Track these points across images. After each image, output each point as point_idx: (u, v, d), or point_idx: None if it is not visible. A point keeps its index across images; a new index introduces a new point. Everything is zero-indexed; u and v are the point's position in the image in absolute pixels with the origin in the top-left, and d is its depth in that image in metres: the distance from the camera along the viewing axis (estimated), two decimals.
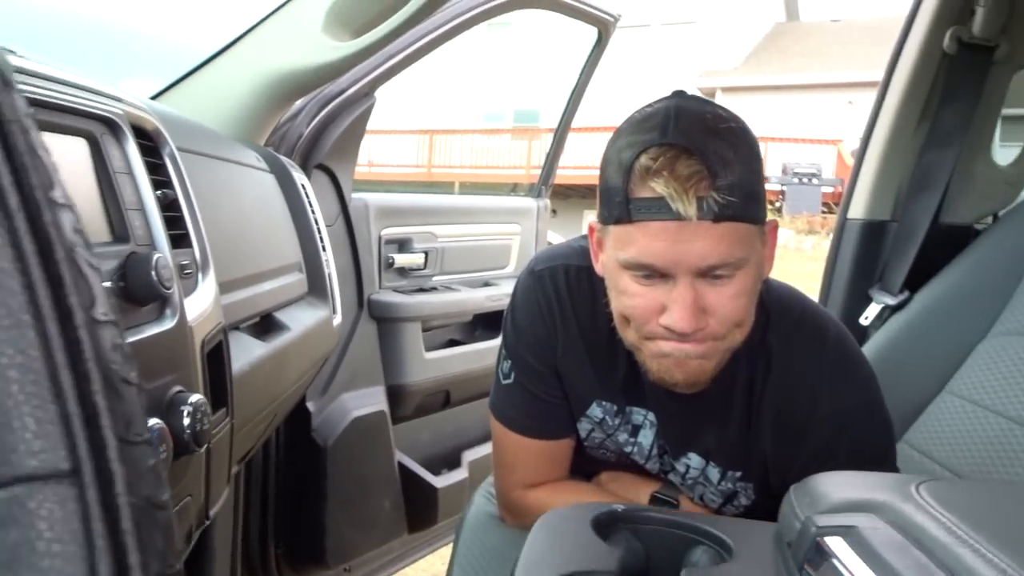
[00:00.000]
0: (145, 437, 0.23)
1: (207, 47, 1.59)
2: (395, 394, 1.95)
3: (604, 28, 2.21)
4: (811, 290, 1.34)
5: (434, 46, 1.82)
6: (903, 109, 1.62)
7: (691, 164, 0.86)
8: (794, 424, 1.01)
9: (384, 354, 1.94)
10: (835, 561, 0.57)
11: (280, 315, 1.32)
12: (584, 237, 1.09)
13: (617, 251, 0.92)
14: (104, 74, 0.91)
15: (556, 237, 2.48)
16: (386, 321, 1.93)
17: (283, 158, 1.57)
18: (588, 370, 1.09)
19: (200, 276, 0.94)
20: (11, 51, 0.73)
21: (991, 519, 0.57)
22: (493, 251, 2.32)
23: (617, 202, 0.90)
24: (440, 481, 2.01)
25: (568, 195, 15.89)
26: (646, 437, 1.10)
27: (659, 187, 0.86)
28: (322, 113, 1.73)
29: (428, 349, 2.03)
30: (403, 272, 2.02)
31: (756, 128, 0.98)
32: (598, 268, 1.01)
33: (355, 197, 1.87)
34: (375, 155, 17.58)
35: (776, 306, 1.03)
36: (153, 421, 0.71)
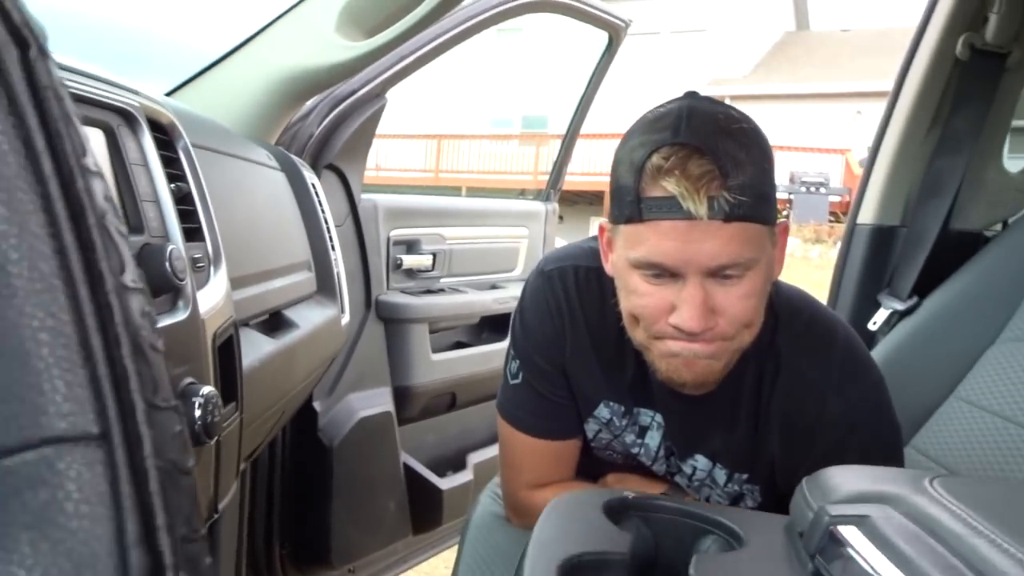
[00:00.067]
0: (172, 403, 0.23)
1: (220, 47, 1.60)
2: (401, 395, 1.95)
3: (615, 33, 2.22)
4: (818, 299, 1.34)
5: (446, 48, 1.83)
6: (914, 115, 1.62)
7: (703, 164, 0.86)
8: (802, 427, 1.01)
9: (391, 355, 1.94)
10: (848, 550, 0.57)
11: (289, 313, 1.33)
12: (593, 238, 1.09)
13: (627, 250, 0.92)
14: (116, 72, 0.92)
15: (563, 243, 2.48)
16: (393, 322, 1.93)
17: (294, 157, 1.57)
18: (596, 370, 1.09)
19: (212, 270, 0.95)
20: None
21: (1006, 513, 0.56)
22: (501, 254, 2.32)
23: (628, 201, 0.90)
24: (445, 483, 2.01)
25: (575, 201, 15.89)
26: (653, 438, 1.10)
27: (670, 186, 0.86)
28: (333, 113, 1.73)
29: (435, 351, 2.03)
30: (411, 273, 2.02)
31: None
32: (608, 268, 1.01)
33: (364, 198, 1.88)
34: (383, 159, 17.62)
35: (785, 308, 1.03)
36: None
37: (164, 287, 0.77)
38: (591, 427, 1.13)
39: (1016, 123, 1.67)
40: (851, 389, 1.01)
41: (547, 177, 2.55)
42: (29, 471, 0.20)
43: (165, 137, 0.93)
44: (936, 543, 0.53)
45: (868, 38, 19.97)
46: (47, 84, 0.23)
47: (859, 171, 1.76)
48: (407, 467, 1.96)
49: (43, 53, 0.23)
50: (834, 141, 16.47)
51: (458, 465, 2.13)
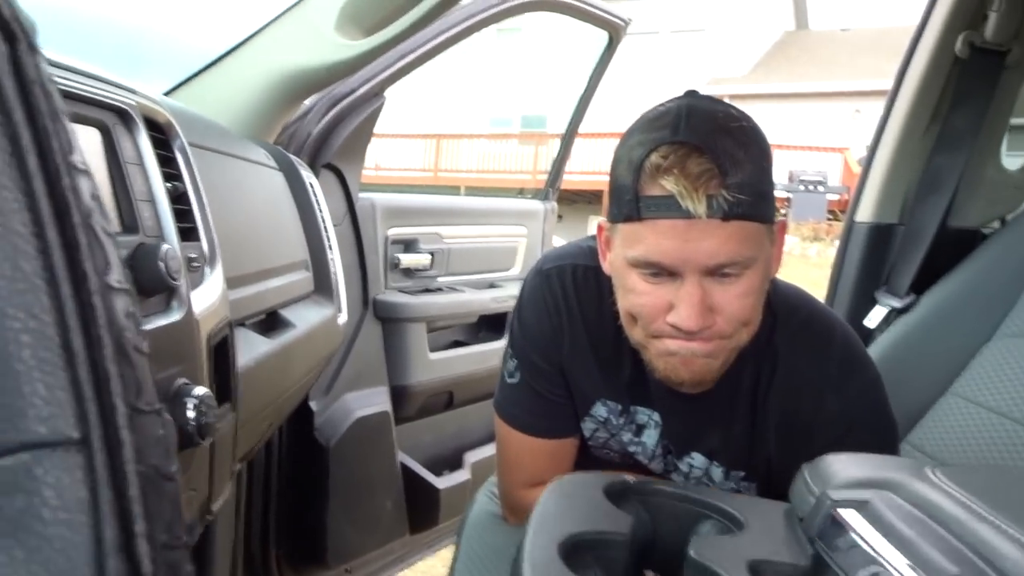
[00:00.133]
0: (155, 407, 0.23)
1: (219, 46, 1.59)
2: (399, 395, 1.95)
3: (614, 32, 2.21)
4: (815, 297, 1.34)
5: (445, 47, 1.82)
6: (913, 113, 1.62)
7: (701, 162, 0.86)
8: (799, 425, 1.01)
9: (388, 354, 1.94)
10: (850, 533, 0.56)
11: (286, 312, 1.32)
12: (592, 237, 1.09)
13: (626, 249, 0.92)
14: (115, 71, 0.91)
15: (561, 242, 2.47)
16: (391, 321, 1.93)
17: (292, 157, 1.57)
18: (593, 369, 1.09)
19: (208, 270, 0.94)
20: None
21: (1008, 499, 0.56)
22: (499, 253, 2.32)
23: (627, 200, 0.89)
24: (442, 482, 2.00)
25: (574, 201, 15.89)
26: (650, 437, 1.10)
27: (669, 185, 0.86)
28: (331, 112, 1.73)
29: (432, 350, 2.03)
30: (409, 272, 2.01)
31: None
32: (606, 267, 1.01)
33: (362, 197, 1.87)
34: (382, 158, 17.61)
35: (783, 307, 1.03)
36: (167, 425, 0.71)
37: (158, 287, 0.76)
38: (588, 426, 1.13)
39: (1015, 121, 1.67)
40: (848, 387, 1.00)
41: (546, 176, 2.55)
42: (6, 477, 0.19)
43: (162, 136, 0.93)
44: (938, 527, 0.53)
45: (867, 37, 19.98)
46: (35, 79, 0.23)
47: (858, 170, 1.77)
48: (404, 466, 1.96)
49: (32, 48, 0.23)
50: (833, 140, 16.48)
51: (455, 464, 2.13)
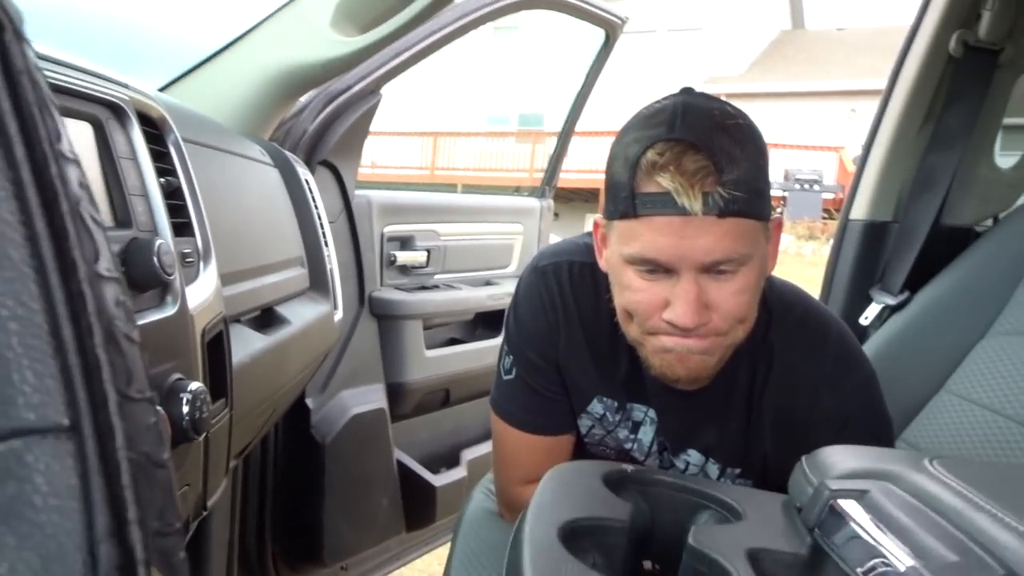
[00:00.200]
0: (147, 395, 0.23)
1: (214, 42, 1.59)
2: (395, 392, 1.95)
3: (611, 30, 2.21)
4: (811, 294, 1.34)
5: (441, 44, 1.82)
6: (907, 111, 1.62)
7: (697, 159, 0.86)
8: (795, 421, 1.01)
9: (384, 352, 1.94)
10: (850, 523, 0.56)
11: (281, 309, 1.32)
12: (588, 234, 1.09)
13: (622, 246, 0.92)
14: (110, 67, 0.91)
15: (557, 240, 2.47)
16: (387, 318, 1.93)
17: (287, 153, 1.57)
18: (589, 366, 1.09)
19: (202, 265, 0.94)
20: None
21: (1006, 491, 0.56)
22: (495, 250, 2.32)
23: (623, 197, 0.89)
24: (439, 480, 2.00)
25: (571, 199, 15.90)
26: (646, 434, 1.10)
27: (665, 182, 0.86)
28: (327, 109, 1.73)
29: (429, 347, 2.03)
30: (405, 270, 2.01)
31: None
32: (602, 264, 1.01)
33: (358, 194, 1.87)
34: (379, 156, 17.60)
35: (778, 304, 1.03)
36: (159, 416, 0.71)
37: (152, 282, 0.76)
38: (584, 422, 1.13)
39: (1008, 121, 1.67)
40: (844, 384, 1.01)
41: (542, 174, 2.55)
42: None
43: (155, 131, 0.93)
44: (937, 516, 0.53)
45: (863, 37, 20.00)
46: (21, 68, 0.22)
47: (853, 169, 1.77)
48: (400, 464, 1.96)
49: (18, 36, 0.23)
50: (828, 139, 16.51)
51: (452, 462, 2.13)
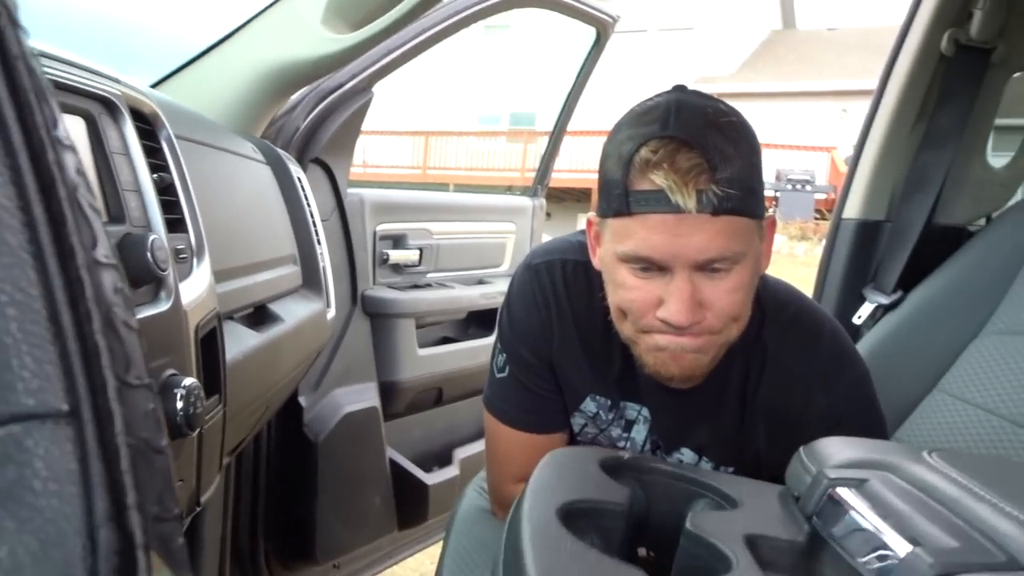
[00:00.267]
0: (145, 382, 0.23)
1: (205, 39, 1.59)
2: (387, 390, 1.95)
3: (603, 28, 2.21)
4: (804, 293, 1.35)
5: (433, 42, 1.82)
6: (899, 110, 1.63)
7: (691, 157, 0.85)
8: (788, 420, 1.01)
9: (377, 350, 1.94)
10: (849, 511, 0.56)
11: (274, 306, 1.32)
12: (581, 232, 1.09)
13: (615, 244, 0.92)
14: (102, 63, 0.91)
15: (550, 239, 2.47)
16: (380, 317, 1.93)
17: (280, 150, 1.56)
18: (583, 364, 1.09)
19: (195, 261, 0.94)
20: None
21: (1004, 482, 0.56)
22: (488, 249, 2.32)
23: (616, 195, 0.89)
24: (431, 478, 2.00)
25: (563, 198, 15.91)
26: (639, 432, 1.10)
27: (659, 179, 0.86)
28: (319, 107, 1.72)
29: (421, 346, 2.03)
30: (397, 268, 2.01)
31: None
32: (595, 262, 1.01)
33: (351, 192, 1.87)
34: (370, 156, 17.57)
35: (772, 302, 1.03)
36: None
37: (145, 277, 0.76)
38: (577, 421, 1.13)
39: (1000, 121, 1.68)
40: (837, 383, 1.01)
41: (534, 174, 2.55)
42: None
43: (148, 127, 0.92)
44: (937, 505, 0.53)
45: (854, 37, 20.07)
46: (18, 54, 0.22)
47: (845, 169, 1.77)
48: (393, 462, 1.96)
49: (13, 22, 0.23)
50: (820, 139, 16.56)
51: (444, 460, 2.12)
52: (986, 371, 1.30)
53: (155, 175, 0.88)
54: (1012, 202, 1.65)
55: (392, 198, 2.05)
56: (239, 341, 1.11)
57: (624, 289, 0.93)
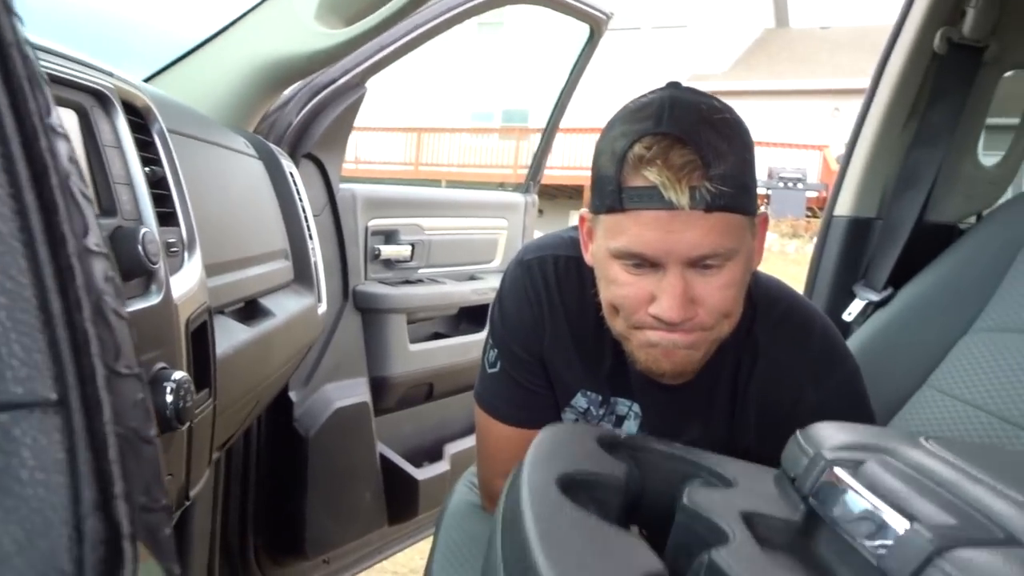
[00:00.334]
0: (135, 371, 0.23)
1: (198, 33, 1.58)
2: (378, 386, 1.95)
3: (596, 25, 2.21)
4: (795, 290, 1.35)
5: (426, 38, 1.81)
6: (892, 108, 1.64)
7: (684, 154, 0.85)
8: (779, 416, 1.01)
9: (368, 345, 1.93)
10: (847, 491, 0.56)
11: (265, 301, 1.31)
12: (574, 228, 1.09)
13: (608, 240, 0.92)
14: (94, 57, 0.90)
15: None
16: (371, 312, 1.92)
17: (272, 145, 1.56)
18: (574, 360, 1.09)
19: (186, 255, 0.93)
20: None
21: (1000, 466, 0.56)
22: (480, 245, 2.32)
23: (609, 191, 0.89)
24: (421, 473, 2.00)
25: (555, 195, 15.91)
26: (630, 428, 1.10)
27: (652, 176, 0.86)
28: (312, 102, 1.72)
29: (413, 341, 2.03)
30: (389, 264, 2.01)
31: None
32: (588, 258, 1.01)
33: (343, 188, 1.86)
34: (363, 152, 17.54)
35: (763, 299, 1.04)
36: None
37: (136, 270, 0.76)
38: (568, 416, 1.13)
39: (991, 120, 1.68)
40: (828, 379, 1.01)
41: (527, 170, 2.55)
42: None
43: (140, 120, 0.92)
44: (934, 486, 0.53)
45: (847, 36, 20.12)
46: (11, 41, 0.22)
47: (836, 167, 1.78)
48: (383, 457, 1.96)
49: (8, 9, 0.23)
50: (812, 137, 16.60)
51: (435, 456, 2.12)
52: (975, 367, 1.31)
53: (147, 168, 0.88)
54: (1002, 200, 1.65)
55: (384, 194, 2.05)
56: (230, 335, 1.11)
57: (616, 285, 0.93)
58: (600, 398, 1.10)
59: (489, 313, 1.16)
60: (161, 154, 0.93)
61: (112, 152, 0.81)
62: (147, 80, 1.53)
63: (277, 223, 1.45)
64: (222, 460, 1.58)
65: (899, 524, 0.50)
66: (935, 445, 0.60)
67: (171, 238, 0.91)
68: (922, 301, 1.48)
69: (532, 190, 2.50)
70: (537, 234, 2.47)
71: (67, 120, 0.76)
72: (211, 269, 1.04)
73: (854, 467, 0.58)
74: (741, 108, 1.02)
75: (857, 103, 1.73)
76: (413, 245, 2.05)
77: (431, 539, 1.25)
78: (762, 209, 0.97)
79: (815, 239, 1.80)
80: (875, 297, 1.57)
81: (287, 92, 1.67)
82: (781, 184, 14.74)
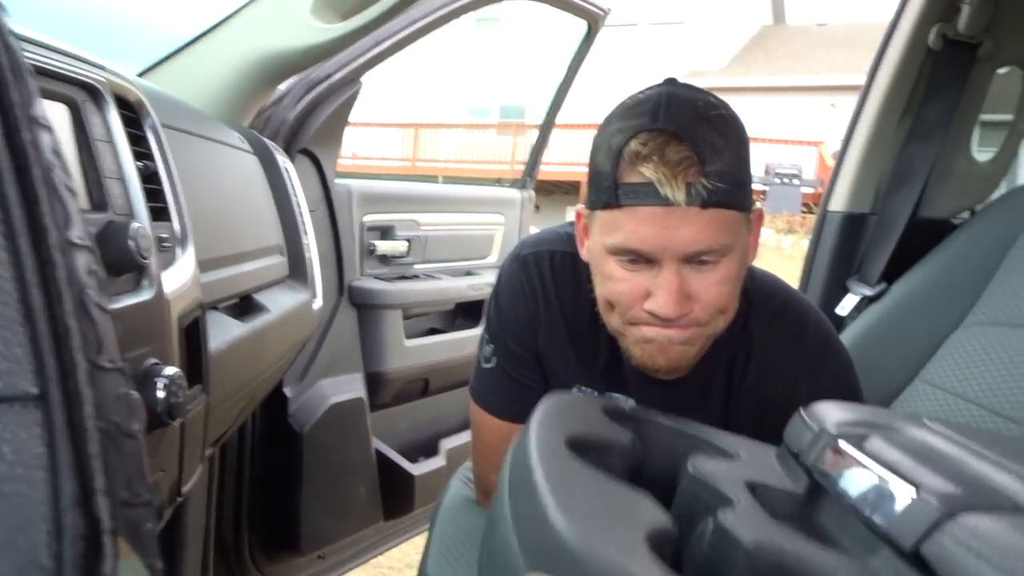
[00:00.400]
0: (117, 365, 0.22)
1: (193, 27, 1.57)
2: (374, 381, 1.94)
3: (593, 21, 2.21)
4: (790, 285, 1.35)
5: (422, 34, 1.81)
6: (887, 104, 1.64)
7: (681, 150, 0.85)
8: (773, 410, 1.01)
9: (363, 341, 1.93)
10: (853, 463, 0.55)
11: (259, 297, 1.31)
12: (570, 224, 1.09)
13: (604, 236, 0.92)
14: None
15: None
16: (366, 308, 1.92)
17: (267, 141, 1.55)
18: (570, 355, 1.09)
19: (179, 250, 0.93)
20: None
21: (1002, 446, 0.56)
22: (476, 241, 2.31)
23: (605, 187, 0.89)
24: (417, 469, 2.00)
25: (552, 191, 15.90)
26: None
27: (648, 172, 0.86)
28: (307, 97, 1.71)
29: (408, 337, 2.02)
30: (385, 259, 2.00)
31: None
32: (583, 254, 1.01)
33: (338, 183, 1.86)
34: (360, 147, 17.51)
35: (758, 294, 1.04)
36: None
37: (127, 265, 0.75)
38: None
39: (985, 117, 1.69)
40: (822, 373, 1.01)
41: (524, 166, 2.54)
42: None
43: (132, 115, 0.91)
44: (939, 460, 0.53)
45: (844, 32, 20.13)
46: None
47: (832, 163, 1.78)
48: (379, 453, 1.95)
49: None
50: (808, 134, 16.62)
51: (430, 451, 2.12)
52: (967, 361, 1.31)
53: (139, 163, 0.87)
54: (995, 196, 1.66)
55: (380, 189, 2.05)
56: (223, 331, 1.10)
57: (612, 281, 0.93)
58: (595, 394, 1.10)
59: (485, 309, 1.16)
60: (154, 149, 0.93)
61: (103, 147, 0.80)
62: (141, 74, 1.53)
63: (272, 218, 1.44)
64: (216, 456, 1.58)
65: (906, 492, 0.50)
66: (938, 425, 0.60)
67: (163, 233, 0.90)
68: (915, 296, 1.49)
69: (529, 186, 2.49)
70: (533, 230, 2.48)
71: (57, 114, 0.76)
72: (205, 264, 1.03)
73: (859, 441, 0.58)
74: (738, 104, 1.02)
75: (853, 100, 1.73)
76: (409, 241, 2.04)
77: (426, 535, 1.25)
78: (758, 205, 0.97)
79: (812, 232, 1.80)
80: (869, 292, 1.58)
81: (282, 87, 1.67)
82: (777, 180, 14.76)
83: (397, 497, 1.97)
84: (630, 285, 0.92)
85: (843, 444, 0.58)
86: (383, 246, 1.98)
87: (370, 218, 1.95)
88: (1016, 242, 1.39)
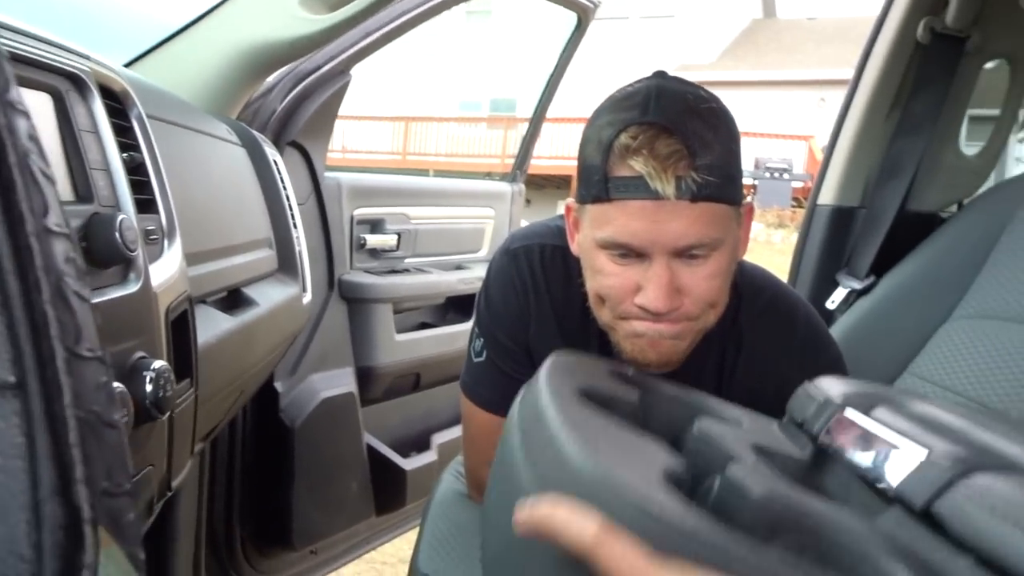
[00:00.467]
0: (97, 353, 0.22)
1: (180, 18, 1.56)
2: (365, 376, 1.94)
3: (583, 14, 2.20)
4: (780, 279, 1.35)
5: (412, 25, 1.80)
6: (875, 98, 1.64)
7: (671, 143, 0.85)
8: (763, 404, 1.01)
9: (354, 335, 1.93)
10: (860, 430, 0.55)
11: (248, 290, 1.30)
12: (560, 217, 1.09)
13: (594, 230, 0.91)
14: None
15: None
16: (357, 302, 1.92)
17: (255, 133, 1.54)
18: (560, 349, 1.08)
19: (166, 243, 0.92)
20: None
21: (1004, 422, 0.56)
22: (467, 234, 2.31)
23: (595, 180, 0.89)
24: (409, 464, 2.00)
25: (543, 185, 15.91)
26: None
27: (638, 166, 0.85)
28: (296, 89, 1.70)
29: (399, 331, 2.02)
30: (375, 253, 2.00)
31: None
32: (574, 248, 1.01)
33: (328, 176, 1.85)
34: (349, 141, 17.46)
35: (748, 288, 1.04)
36: (114, 385, 0.69)
37: (114, 258, 0.75)
38: None
39: (973, 111, 1.69)
40: (812, 367, 1.01)
41: (514, 160, 2.54)
42: None
43: (118, 105, 0.91)
44: (947, 428, 0.52)
45: (834, 27, 20.17)
46: None
47: (822, 157, 1.79)
48: (370, 448, 1.95)
49: None
50: (798, 128, 16.66)
51: (422, 446, 2.12)
52: (955, 354, 1.32)
53: (125, 154, 0.86)
54: (983, 189, 1.66)
55: (370, 182, 2.04)
56: (212, 325, 1.10)
57: (602, 275, 0.93)
58: None
59: (475, 302, 1.15)
60: (140, 140, 0.92)
61: (88, 137, 0.79)
62: (128, 65, 1.52)
63: (261, 211, 1.44)
64: (207, 451, 1.57)
65: (916, 454, 0.50)
66: (940, 402, 0.60)
67: (150, 225, 0.89)
68: (904, 289, 1.49)
69: (519, 179, 2.49)
70: (524, 223, 2.47)
71: (41, 103, 0.75)
72: (192, 258, 1.03)
73: (866, 409, 0.58)
74: (728, 98, 1.02)
75: (843, 94, 1.73)
76: (399, 234, 2.04)
77: (419, 528, 1.24)
78: (748, 199, 0.97)
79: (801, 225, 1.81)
80: (858, 285, 1.58)
81: (271, 79, 1.66)
82: (767, 174, 14.81)
83: (389, 492, 1.97)
84: (620, 279, 0.91)
85: (850, 412, 0.58)
86: (373, 240, 1.97)
87: (360, 212, 1.94)
88: (1003, 235, 1.40)
